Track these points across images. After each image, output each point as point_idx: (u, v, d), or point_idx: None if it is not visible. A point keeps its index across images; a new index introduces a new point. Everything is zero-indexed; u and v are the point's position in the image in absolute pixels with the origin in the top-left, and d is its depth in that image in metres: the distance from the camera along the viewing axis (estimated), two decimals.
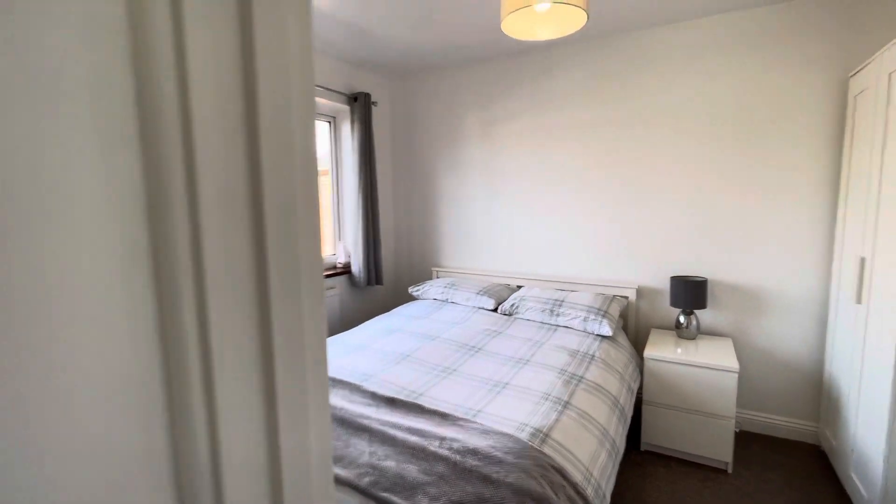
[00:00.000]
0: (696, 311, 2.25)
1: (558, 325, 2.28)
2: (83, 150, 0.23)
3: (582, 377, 1.73)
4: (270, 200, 0.29)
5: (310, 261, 0.33)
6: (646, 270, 2.48)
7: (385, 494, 1.03)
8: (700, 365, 1.97)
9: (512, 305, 2.47)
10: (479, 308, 2.59)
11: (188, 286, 0.26)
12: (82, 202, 0.23)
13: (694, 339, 2.25)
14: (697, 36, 2.24)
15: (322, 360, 0.35)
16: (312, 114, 0.33)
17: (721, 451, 1.94)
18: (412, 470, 1.09)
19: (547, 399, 1.51)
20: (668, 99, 2.33)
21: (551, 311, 2.32)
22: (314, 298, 0.33)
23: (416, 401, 1.48)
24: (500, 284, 2.82)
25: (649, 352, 2.10)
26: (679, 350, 2.10)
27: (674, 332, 2.34)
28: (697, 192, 2.31)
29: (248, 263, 0.29)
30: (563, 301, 2.36)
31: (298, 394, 0.33)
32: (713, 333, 2.33)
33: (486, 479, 1.06)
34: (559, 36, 1.61)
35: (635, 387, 2.07)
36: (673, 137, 2.34)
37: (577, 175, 2.63)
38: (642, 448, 2.13)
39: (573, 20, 1.53)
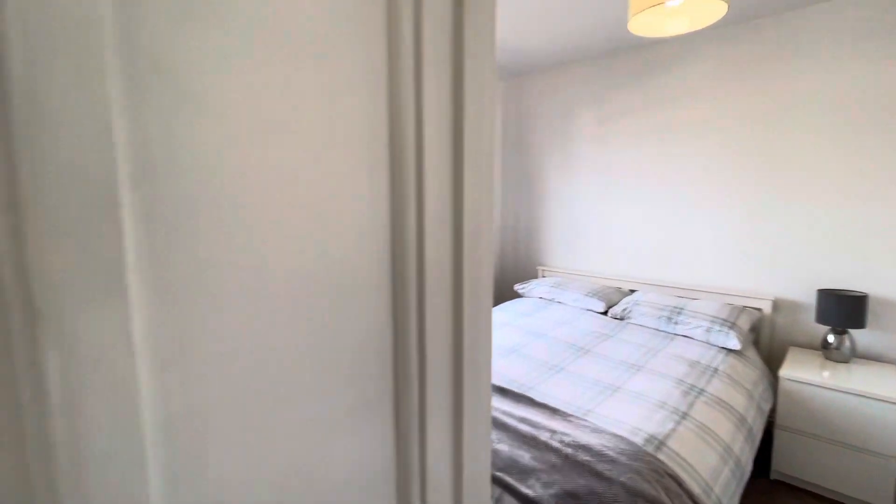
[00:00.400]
0: (850, 331, 1.95)
1: (676, 334, 2.16)
2: (360, 173, 0.34)
3: (703, 390, 1.63)
4: (468, 216, 0.38)
5: (488, 271, 0.41)
6: (785, 280, 2.21)
7: (499, 474, 1.12)
8: (854, 392, 1.72)
9: (624, 310, 2.39)
10: (588, 310, 2.55)
11: (412, 280, 0.37)
12: (355, 210, 0.34)
13: (847, 362, 1.95)
14: (859, 15, 1.93)
15: (489, 365, 0.43)
16: (493, 143, 0.41)
17: (877, 495, 1.68)
18: (525, 456, 1.16)
19: (663, 408, 1.47)
20: (817, 88, 2.04)
21: (668, 318, 2.20)
22: (488, 307, 0.42)
23: (525, 393, 1.54)
24: (611, 287, 2.73)
25: (786, 371, 1.89)
26: (826, 373, 1.85)
27: (819, 353, 2.06)
28: (857, 192, 2.00)
29: (449, 267, 0.38)
30: (682, 309, 2.22)
31: (475, 385, 0.41)
32: (873, 358, 2.00)
33: (598, 475, 1.08)
34: (692, 30, 1.53)
35: (766, 408, 1.88)
36: (824, 130, 2.05)
37: (702, 174, 2.43)
38: (772, 476, 1.92)
39: (710, 12, 1.45)
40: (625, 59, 2.67)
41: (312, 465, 0.33)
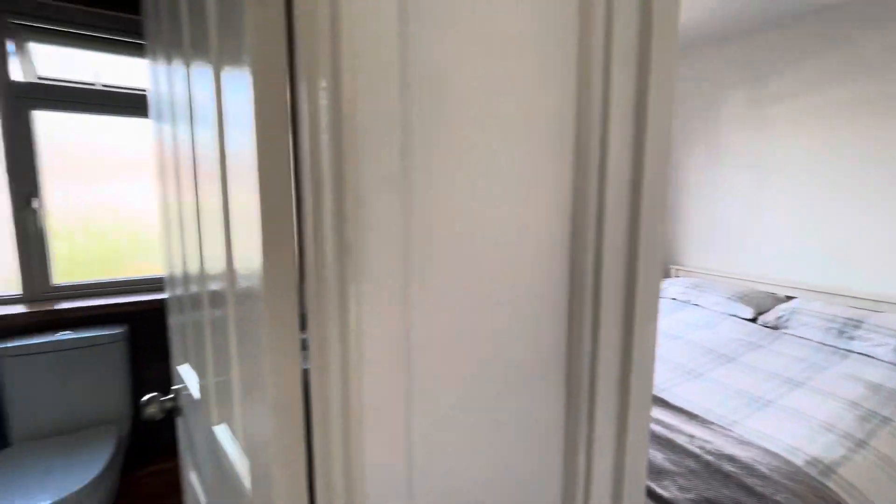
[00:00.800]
0: None
1: (850, 351, 1.83)
2: (544, 157, 0.39)
3: (889, 419, 1.36)
4: (646, 203, 0.40)
5: (659, 257, 0.43)
6: None
7: None
8: None
9: (779, 318, 2.10)
10: (731, 315, 2.29)
11: (590, 259, 0.40)
12: (543, 189, 0.39)
13: None
14: None
15: (654, 342, 0.45)
16: (671, 133, 0.42)
17: None
18: (658, 457, 1.12)
19: (830, 431, 1.27)
20: None
21: (840, 331, 1.87)
22: (657, 288, 0.43)
23: (659, 394, 1.47)
24: (762, 292, 2.41)
25: None
26: None
27: None
28: None
29: (624, 248, 0.41)
30: (861, 322, 1.87)
31: (642, 359, 0.43)
32: None
33: (746, 489, 0.99)
34: None
35: None
36: None
37: (891, 159, 2.00)
38: None
39: None
40: (793, 30, 2.31)
41: (497, 406, 0.39)
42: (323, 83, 0.28)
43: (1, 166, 1.62)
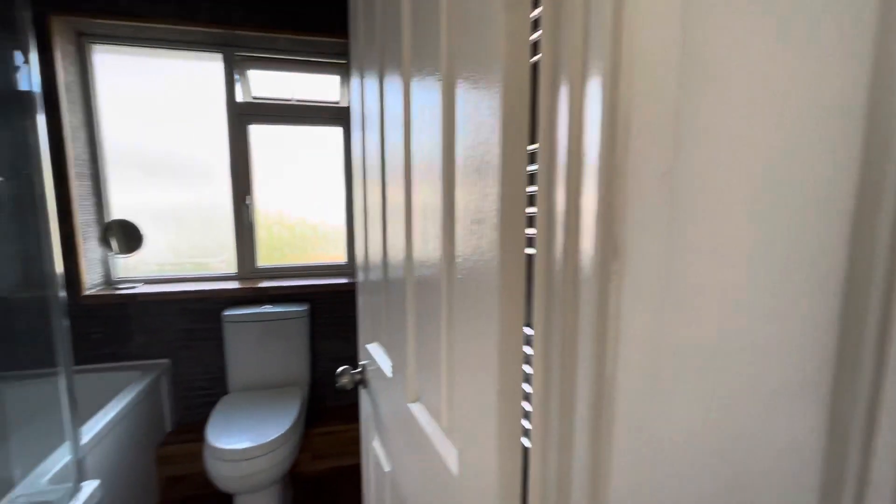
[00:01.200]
0: None
1: None
2: (822, 157, 0.33)
3: None
4: None
5: None
6: None
7: None
8: None
9: None
10: None
11: (881, 276, 0.33)
12: (814, 194, 0.33)
13: None
14: None
15: None
16: None
17: None
18: None
19: None
20: None
21: None
22: None
23: None
24: None
25: None
26: None
27: None
28: None
29: None
30: None
31: None
32: None
33: None
34: None
35: None
36: None
37: None
38: None
39: None
40: None
41: (743, 427, 0.35)
42: (596, 83, 0.28)
43: (227, 171, 2.03)
